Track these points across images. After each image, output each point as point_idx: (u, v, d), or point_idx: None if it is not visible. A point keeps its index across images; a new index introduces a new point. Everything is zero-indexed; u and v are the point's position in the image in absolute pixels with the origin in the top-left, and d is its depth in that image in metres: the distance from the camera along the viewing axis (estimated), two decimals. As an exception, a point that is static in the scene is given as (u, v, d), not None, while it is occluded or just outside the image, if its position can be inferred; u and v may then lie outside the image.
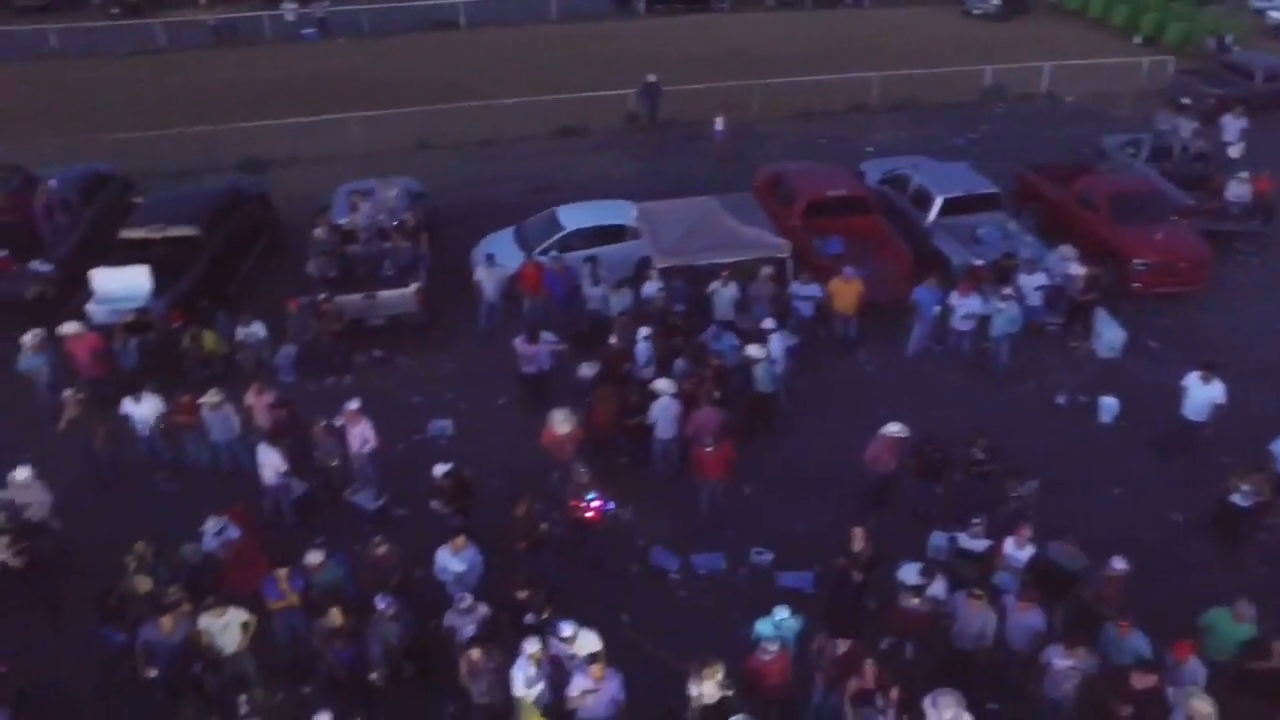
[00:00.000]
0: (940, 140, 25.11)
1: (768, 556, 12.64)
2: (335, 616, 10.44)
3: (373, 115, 25.09)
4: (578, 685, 9.46)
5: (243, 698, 10.80)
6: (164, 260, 16.53)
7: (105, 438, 13.71)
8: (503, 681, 9.88)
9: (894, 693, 9.16)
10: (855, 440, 14.12)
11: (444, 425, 15.07)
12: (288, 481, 13.10)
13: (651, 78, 25.88)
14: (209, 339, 15.58)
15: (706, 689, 9.47)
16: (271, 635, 11.15)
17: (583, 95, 26.45)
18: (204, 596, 10.81)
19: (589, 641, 9.89)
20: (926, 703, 9.08)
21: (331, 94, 27.70)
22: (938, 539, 12.33)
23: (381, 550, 11.11)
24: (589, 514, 11.91)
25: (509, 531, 11.70)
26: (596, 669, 9.38)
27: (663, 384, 13.52)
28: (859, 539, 11.04)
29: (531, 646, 9.65)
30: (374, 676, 10.23)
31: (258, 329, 15.70)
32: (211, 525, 11.90)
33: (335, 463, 13.44)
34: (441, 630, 10.57)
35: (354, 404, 13.27)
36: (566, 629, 9.89)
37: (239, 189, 19.80)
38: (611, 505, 12.19)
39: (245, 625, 10.70)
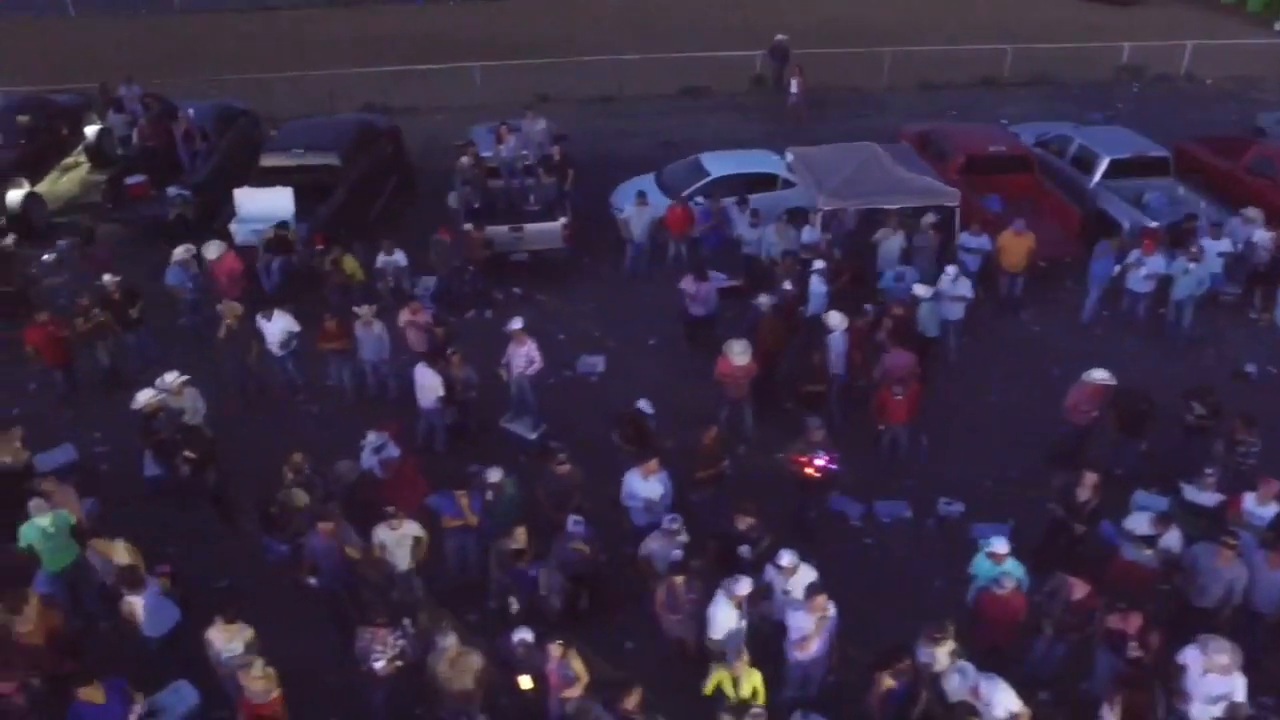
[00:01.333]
0: (1074, 117, 23.70)
1: (958, 507, 11.75)
2: (520, 536, 9.80)
3: (493, 66, 24.67)
4: (798, 626, 8.60)
5: (407, 621, 10.15)
6: (305, 186, 16.10)
7: (259, 354, 13.30)
8: (700, 615, 9.12)
9: (1154, 638, 8.25)
10: (1032, 397, 13.41)
11: (595, 362, 14.42)
12: (443, 406, 12.49)
13: (781, 36, 25.08)
14: (349, 263, 15.08)
15: (939, 655, 8.49)
16: (441, 559, 10.56)
17: (708, 55, 25.75)
18: (359, 514, 10.24)
19: (807, 574, 9.01)
20: (1189, 652, 8.19)
21: (448, 49, 27.19)
22: (1144, 498, 11.31)
23: (565, 468, 10.41)
24: (809, 470, 10.91)
25: (693, 458, 10.91)
26: (820, 600, 8.55)
27: (834, 319, 12.71)
28: (1088, 487, 10.03)
29: (740, 587, 8.70)
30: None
31: (399, 257, 15.17)
32: (373, 439, 11.33)
33: (473, 394, 12.74)
34: (637, 558, 9.77)
35: (517, 323, 12.61)
36: (786, 558, 9.01)
37: (372, 123, 19.33)
38: (836, 468, 11.03)
39: (418, 541, 10.09)
